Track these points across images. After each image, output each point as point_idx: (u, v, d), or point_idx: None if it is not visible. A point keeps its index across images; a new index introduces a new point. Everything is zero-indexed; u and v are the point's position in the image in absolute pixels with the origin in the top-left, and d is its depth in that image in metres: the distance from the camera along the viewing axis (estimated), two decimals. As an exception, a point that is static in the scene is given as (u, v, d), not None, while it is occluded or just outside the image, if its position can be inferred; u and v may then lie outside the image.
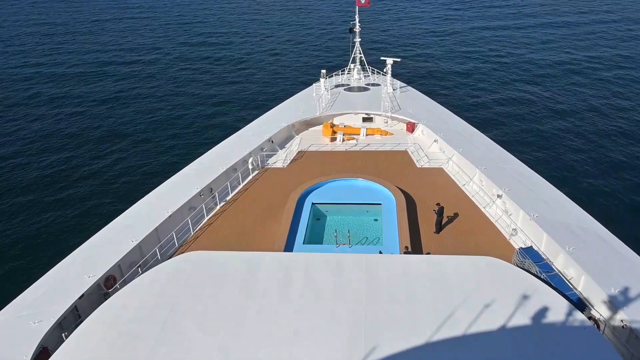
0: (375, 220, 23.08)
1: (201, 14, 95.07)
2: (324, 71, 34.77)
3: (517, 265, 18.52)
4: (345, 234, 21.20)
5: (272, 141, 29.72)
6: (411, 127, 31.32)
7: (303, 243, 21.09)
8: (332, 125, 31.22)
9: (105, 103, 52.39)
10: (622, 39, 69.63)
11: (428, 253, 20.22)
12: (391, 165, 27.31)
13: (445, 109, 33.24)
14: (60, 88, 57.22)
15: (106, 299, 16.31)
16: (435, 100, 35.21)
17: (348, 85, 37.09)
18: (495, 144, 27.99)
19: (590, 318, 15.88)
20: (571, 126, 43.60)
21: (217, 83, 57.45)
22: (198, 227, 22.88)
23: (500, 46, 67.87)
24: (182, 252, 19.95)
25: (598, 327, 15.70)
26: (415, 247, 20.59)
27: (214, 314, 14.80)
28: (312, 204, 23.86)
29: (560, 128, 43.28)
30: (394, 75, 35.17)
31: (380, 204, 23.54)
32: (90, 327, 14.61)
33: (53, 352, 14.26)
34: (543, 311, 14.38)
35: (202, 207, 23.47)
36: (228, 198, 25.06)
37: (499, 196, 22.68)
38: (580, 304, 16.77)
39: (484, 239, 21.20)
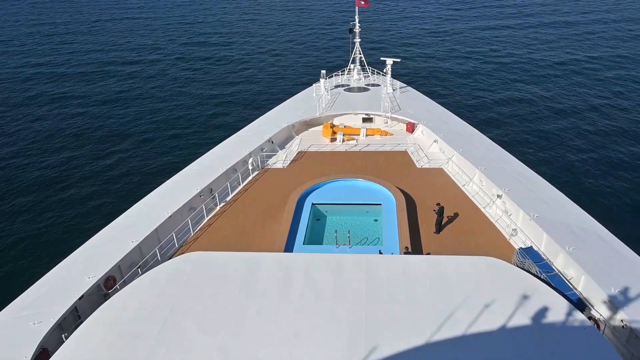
0: (375, 220, 23.08)
1: (202, 14, 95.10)
2: (324, 71, 34.78)
3: (517, 266, 18.52)
4: (345, 235, 21.20)
5: (272, 141, 29.73)
6: (411, 128, 31.32)
7: (303, 243, 21.09)
8: (332, 126, 31.22)
9: (106, 103, 52.43)
10: (623, 39, 69.62)
11: (428, 253, 20.21)
12: (391, 166, 27.31)
13: (445, 109, 33.25)
14: (61, 88, 57.26)
15: (106, 300, 16.32)
16: (435, 101, 35.22)
17: (348, 85, 37.09)
18: (495, 144, 27.99)
19: (590, 318, 15.88)
20: (571, 126, 43.60)
21: (217, 83, 57.48)
22: (198, 228, 22.88)
23: (501, 46, 67.87)
24: (182, 253, 19.95)
25: (598, 327, 15.70)
26: (415, 247, 20.58)
27: (214, 314, 14.80)
28: (312, 204, 23.86)
29: (560, 128, 43.27)
30: (393, 76, 35.17)
31: (380, 205, 23.54)
32: (90, 328, 14.60)
33: (53, 353, 14.27)
34: (543, 311, 14.37)
35: (202, 208, 23.47)
36: (228, 198, 25.06)
37: (498, 196, 22.67)
38: (580, 304, 16.77)
39: (484, 239, 21.20)
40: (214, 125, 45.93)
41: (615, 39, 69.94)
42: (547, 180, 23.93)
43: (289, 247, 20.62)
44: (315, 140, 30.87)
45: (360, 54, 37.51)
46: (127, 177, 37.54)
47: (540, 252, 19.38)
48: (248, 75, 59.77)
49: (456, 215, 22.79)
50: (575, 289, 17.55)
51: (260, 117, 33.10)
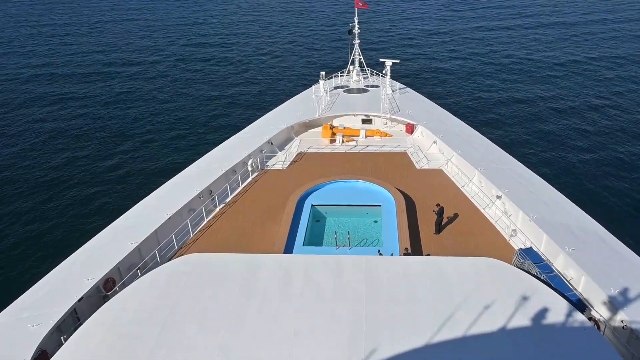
0: (375, 221, 23.06)
1: (202, 15, 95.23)
2: (323, 73, 34.79)
3: (517, 266, 18.49)
4: (345, 236, 21.17)
5: (272, 143, 29.71)
6: (410, 129, 31.31)
7: (303, 245, 21.06)
8: (332, 127, 31.21)
9: (106, 105, 52.46)
10: (623, 39, 69.64)
11: (428, 254, 20.18)
12: (390, 167, 27.29)
13: (444, 110, 33.25)
14: (62, 90, 57.29)
15: (105, 302, 16.29)
16: (434, 102, 35.22)
17: (347, 86, 37.09)
18: (494, 145, 27.99)
19: (590, 319, 15.83)
20: (571, 127, 43.59)
21: (218, 85, 57.54)
22: (197, 229, 22.85)
23: (500, 47, 67.91)
24: (182, 255, 19.91)
25: (598, 327, 15.67)
26: (415, 248, 20.56)
27: (214, 314, 14.77)
28: (312, 205, 23.84)
29: (560, 128, 43.26)
30: (393, 77, 35.19)
31: (380, 206, 23.51)
32: (89, 330, 14.56)
33: (52, 355, 14.23)
34: (543, 312, 14.35)
35: (201, 209, 23.44)
36: (227, 200, 25.04)
37: (498, 197, 22.66)
38: (580, 304, 16.74)
39: (484, 240, 21.18)
40: (214, 127, 45.96)
41: (615, 39, 69.97)
42: (547, 181, 23.92)
43: (288, 249, 20.60)
44: (314, 141, 30.87)
45: (359, 55, 37.53)
46: (128, 178, 37.54)
47: (540, 253, 19.35)
48: (248, 77, 59.83)
49: (456, 216, 22.77)
50: (575, 289, 17.52)
51: (260, 119, 33.10)
